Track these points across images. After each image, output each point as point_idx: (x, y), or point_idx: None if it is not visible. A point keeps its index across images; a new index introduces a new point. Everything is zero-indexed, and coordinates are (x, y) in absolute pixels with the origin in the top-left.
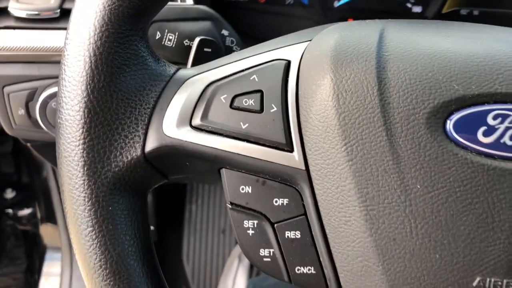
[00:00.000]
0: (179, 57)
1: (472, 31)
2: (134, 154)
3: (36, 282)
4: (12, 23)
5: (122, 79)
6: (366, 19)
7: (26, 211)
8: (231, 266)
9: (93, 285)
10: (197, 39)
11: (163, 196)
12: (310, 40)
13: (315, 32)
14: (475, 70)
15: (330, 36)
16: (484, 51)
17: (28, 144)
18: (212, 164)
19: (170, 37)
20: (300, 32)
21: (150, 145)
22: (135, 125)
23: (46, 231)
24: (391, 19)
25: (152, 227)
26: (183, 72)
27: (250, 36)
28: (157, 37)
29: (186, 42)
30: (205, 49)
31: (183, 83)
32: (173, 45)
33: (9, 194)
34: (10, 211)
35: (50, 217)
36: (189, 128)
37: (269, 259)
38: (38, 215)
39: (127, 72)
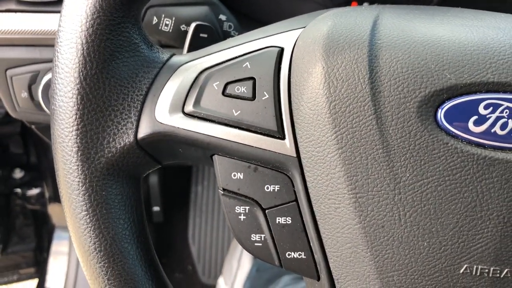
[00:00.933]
0: (176, 42)
1: (470, 18)
2: (127, 140)
3: (45, 260)
4: (13, 6)
5: (115, 66)
6: (370, 2)
7: (34, 191)
8: (236, 247)
9: (88, 267)
10: (192, 25)
11: (169, 178)
12: (304, 27)
13: (310, 19)
14: (468, 58)
15: (324, 23)
16: (479, 39)
17: (32, 126)
18: (204, 151)
19: (167, 22)
20: (295, 18)
21: (143, 131)
22: (128, 112)
23: (54, 210)
24: (390, 4)
25: (158, 208)
26: (176, 59)
27: (253, 19)
28: (154, 22)
29: (183, 27)
30: (201, 35)
31: (176, 70)
32: (170, 30)
33: (18, 174)
34: (19, 190)
35: (58, 197)
36: (181, 114)
37: (260, 244)
38: (46, 194)
39: (119, 59)
